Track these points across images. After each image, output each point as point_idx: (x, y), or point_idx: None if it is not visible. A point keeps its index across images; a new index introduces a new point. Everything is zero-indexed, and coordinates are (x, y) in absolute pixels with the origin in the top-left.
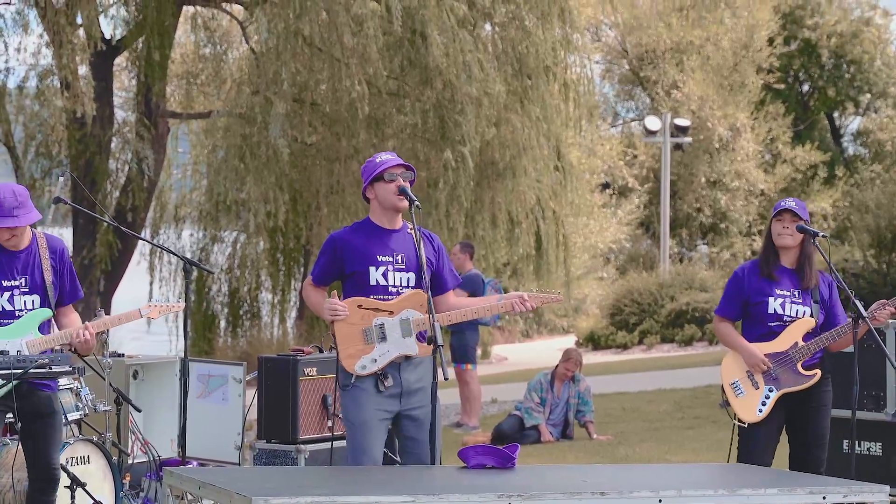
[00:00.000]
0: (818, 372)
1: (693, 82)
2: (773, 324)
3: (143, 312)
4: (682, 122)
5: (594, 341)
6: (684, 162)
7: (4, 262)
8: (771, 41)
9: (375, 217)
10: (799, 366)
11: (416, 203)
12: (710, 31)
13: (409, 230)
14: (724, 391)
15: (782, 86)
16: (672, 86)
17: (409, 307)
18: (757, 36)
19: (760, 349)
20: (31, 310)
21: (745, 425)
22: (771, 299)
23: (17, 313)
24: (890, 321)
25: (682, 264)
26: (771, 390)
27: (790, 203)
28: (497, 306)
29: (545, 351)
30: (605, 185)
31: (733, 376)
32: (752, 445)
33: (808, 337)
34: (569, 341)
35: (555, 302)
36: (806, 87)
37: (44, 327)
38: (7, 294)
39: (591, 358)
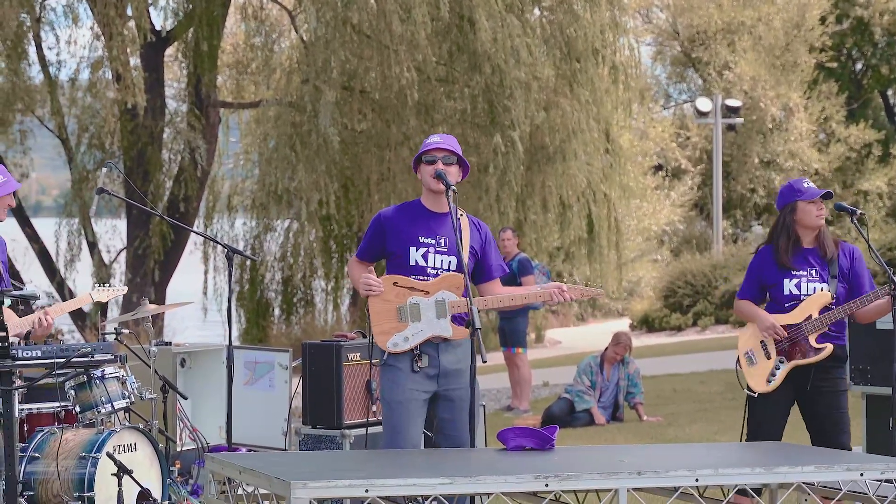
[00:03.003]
0: (829, 346)
1: (745, 63)
2: (788, 304)
3: (94, 296)
4: (734, 102)
5: (648, 324)
6: (737, 143)
7: None
8: (823, 20)
9: (424, 198)
10: (812, 338)
11: (453, 188)
12: (761, 11)
13: (459, 215)
14: (738, 361)
15: (835, 64)
16: (724, 67)
17: (446, 289)
18: (808, 15)
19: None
20: None
21: (756, 395)
22: (786, 280)
23: None
24: None
25: (735, 245)
26: (782, 361)
27: (814, 186)
28: (535, 295)
29: (599, 334)
30: (658, 167)
31: (747, 346)
32: (761, 416)
33: (824, 311)
34: (623, 324)
35: (595, 296)
36: (859, 66)
37: None
38: None
39: (644, 340)
